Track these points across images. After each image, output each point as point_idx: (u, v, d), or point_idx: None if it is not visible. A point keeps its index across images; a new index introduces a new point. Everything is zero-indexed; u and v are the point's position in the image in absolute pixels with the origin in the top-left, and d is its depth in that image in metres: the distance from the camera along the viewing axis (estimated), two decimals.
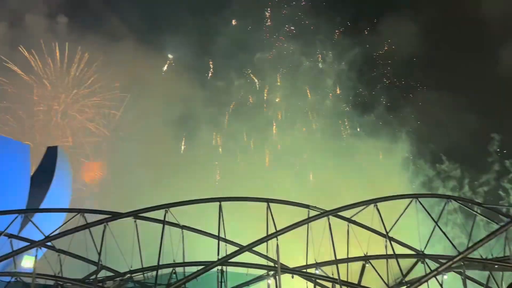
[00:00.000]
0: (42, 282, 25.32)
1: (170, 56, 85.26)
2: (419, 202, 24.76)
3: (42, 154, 53.87)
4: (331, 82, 78.99)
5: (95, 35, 71.13)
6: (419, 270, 25.89)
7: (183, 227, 28.49)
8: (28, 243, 26.47)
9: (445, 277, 24.88)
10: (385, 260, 26.15)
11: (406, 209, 26.19)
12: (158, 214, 25.59)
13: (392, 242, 25.43)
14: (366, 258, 27.34)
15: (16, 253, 24.85)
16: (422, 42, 75.30)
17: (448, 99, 70.87)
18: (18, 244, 27.90)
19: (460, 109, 69.42)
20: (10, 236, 28.59)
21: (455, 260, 23.27)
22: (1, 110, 70.28)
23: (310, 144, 71.64)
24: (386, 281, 24.86)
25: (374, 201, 23.46)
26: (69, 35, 72.83)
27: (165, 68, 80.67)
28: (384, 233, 25.57)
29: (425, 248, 27.06)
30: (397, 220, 26.81)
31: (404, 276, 22.22)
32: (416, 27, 74.86)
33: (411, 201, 25.52)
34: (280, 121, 77.22)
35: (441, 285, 23.94)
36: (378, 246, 27.44)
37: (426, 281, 20.77)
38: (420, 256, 26.61)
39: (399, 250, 26.75)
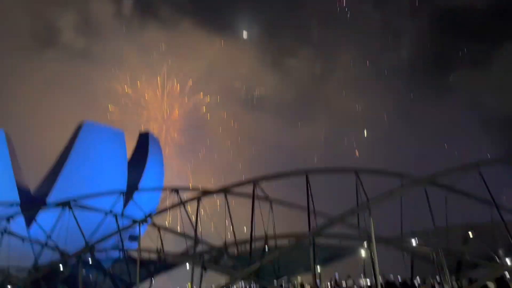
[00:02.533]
0: (146, 256, 27.11)
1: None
2: None
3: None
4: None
5: None
6: None
7: (272, 200, 28.73)
8: (131, 221, 28.49)
9: None
10: (491, 228, 24.11)
11: None
12: (249, 188, 25.91)
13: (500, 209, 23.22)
14: (469, 226, 25.51)
15: (121, 230, 26.82)
16: None
17: None
18: (122, 222, 30.23)
19: None
20: (115, 214, 31.07)
21: None
22: None
23: None
24: (494, 250, 22.92)
25: (477, 163, 21.36)
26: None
27: None
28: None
29: None
30: (505, 185, 24.50)
31: None
32: None
33: None
34: None
35: None
36: (484, 213, 25.34)
37: None
38: None
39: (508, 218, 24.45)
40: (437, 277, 24.27)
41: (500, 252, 23.16)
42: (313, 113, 79.37)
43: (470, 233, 26.21)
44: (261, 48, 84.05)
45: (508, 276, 21.64)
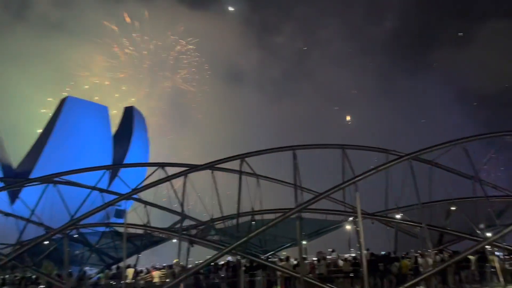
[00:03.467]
0: (132, 231, 27.06)
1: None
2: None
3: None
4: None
5: None
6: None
7: (259, 176, 28.80)
8: (117, 196, 28.25)
9: None
10: (473, 203, 24.70)
11: (497, 148, 24.18)
12: (235, 164, 25.88)
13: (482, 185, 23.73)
14: (452, 201, 26.04)
15: (107, 205, 26.62)
16: None
17: None
18: (108, 198, 30.02)
19: None
20: (101, 190, 30.81)
21: None
22: None
23: None
24: (475, 224, 23.48)
25: (462, 140, 21.64)
26: None
27: None
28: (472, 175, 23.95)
29: None
30: (486, 160, 24.95)
31: (496, 219, 20.75)
32: None
33: (502, 140, 23.31)
34: None
35: None
36: (465, 189, 25.88)
37: None
38: None
39: (489, 192, 25.02)
40: (419, 251, 24.85)
41: (481, 226, 23.75)
42: (297, 89, 79.16)
43: (452, 208, 26.77)
44: (245, 22, 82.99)
45: (488, 248, 22.29)
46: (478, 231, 22.75)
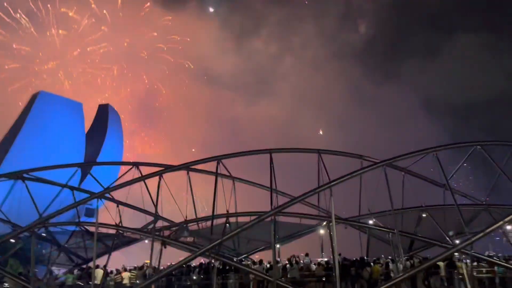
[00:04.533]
0: (104, 231, 26.51)
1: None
2: (483, 149, 23.13)
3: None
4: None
5: None
6: (481, 221, 24.79)
7: (235, 179, 28.73)
8: (88, 195, 27.64)
9: (509, 227, 23.73)
10: (443, 210, 25.27)
11: (467, 157, 24.82)
12: (211, 166, 25.73)
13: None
14: (423, 208, 26.58)
15: (78, 204, 26.02)
16: None
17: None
18: (79, 196, 29.34)
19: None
20: (72, 188, 30.06)
21: None
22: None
23: None
24: (445, 231, 24.03)
25: (433, 149, 22.16)
26: None
27: None
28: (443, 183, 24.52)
29: (487, 197, 25.90)
30: (457, 169, 25.62)
31: (465, 226, 21.26)
32: None
33: (473, 149, 24.01)
34: None
35: (506, 236, 22.89)
36: (436, 196, 26.49)
37: (491, 232, 19.74)
38: (483, 205, 25.48)
39: (459, 200, 25.63)
40: (390, 257, 25.24)
41: (451, 233, 24.33)
42: (272, 91, 79.45)
43: (423, 215, 27.32)
44: (223, 24, 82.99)
45: (457, 255, 22.86)
46: (448, 238, 23.27)
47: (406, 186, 26.35)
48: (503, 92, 65.96)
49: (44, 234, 26.96)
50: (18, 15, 71.16)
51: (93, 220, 26.85)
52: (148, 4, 77.01)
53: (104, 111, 55.20)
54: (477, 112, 67.94)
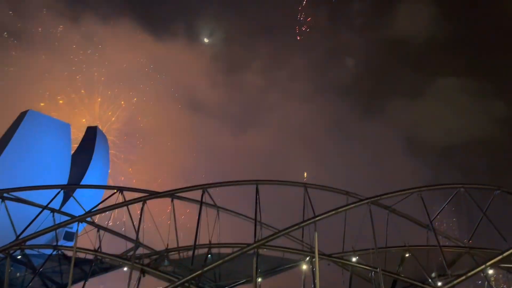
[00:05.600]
0: (82, 256, 25.84)
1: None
2: (466, 192, 23.43)
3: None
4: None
5: None
6: (463, 264, 24.77)
7: (220, 208, 28.47)
8: (69, 218, 27.08)
9: (491, 271, 23.69)
10: (426, 251, 25.22)
11: (451, 198, 25.04)
12: (196, 194, 25.54)
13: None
14: (407, 248, 26.47)
15: (58, 227, 25.45)
16: (442, 26, 73.28)
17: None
18: (60, 219, 28.68)
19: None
20: (53, 210, 29.42)
21: (505, 254, 21.96)
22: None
23: None
24: (427, 273, 23.88)
25: (418, 189, 22.39)
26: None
27: None
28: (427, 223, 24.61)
29: (469, 240, 25.96)
30: (440, 210, 25.77)
31: (448, 268, 21.21)
32: (434, 11, 72.92)
33: (457, 191, 24.29)
34: None
35: (487, 280, 22.84)
36: (419, 236, 26.49)
37: (473, 275, 19.73)
38: (465, 248, 25.50)
39: (442, 242, 25.72)
40: None
41: (433, 274, 24.19)
42: (259, 122, 79.96)
43: (406, 254, 27.19)
44: (214, 54, 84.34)
45: None
46: (430, 280, 23.12)
47: (390, 224, 26.37)
48: (483, 135, 67.83)
49: (19, 257, 26.12)
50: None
51: (72, 244, 26.17)
52: (138, 31, 78.04)
53: (92, 134, 54.85)
54: (458, 153, 69.54)
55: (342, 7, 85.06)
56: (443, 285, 20.22)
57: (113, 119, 77.73)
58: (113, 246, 30.70)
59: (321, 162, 71.89)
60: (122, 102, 76.11)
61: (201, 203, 24.71)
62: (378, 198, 22.81)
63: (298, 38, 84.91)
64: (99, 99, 77.61)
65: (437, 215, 27.15)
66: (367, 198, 22.69)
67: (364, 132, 72.94)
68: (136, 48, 77.90)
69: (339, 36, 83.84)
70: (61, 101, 74.62)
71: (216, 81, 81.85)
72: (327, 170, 66.02)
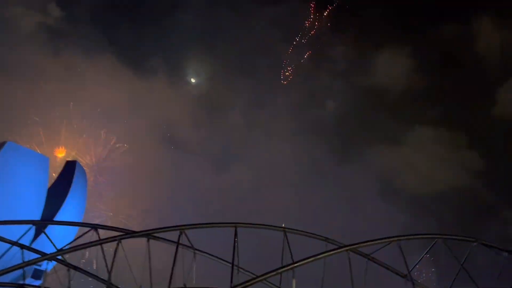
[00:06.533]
0: None
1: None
2: (444, 243, 23.57)
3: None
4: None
5: None
6: None
7: (196, 250, 27.86)
8: (39, 255, 26.07)
9: None
10: None
11: (429, 249, 25.06)
12: (172, 235, 25.04)
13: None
14: None
15: (26, 265, 24.44)
16: (419, 78, 76.49)
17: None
18: (29, 256, 27.56)
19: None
20: (22, 246, 28.30)
21: None
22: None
23: None
24: None
25: (398, 238, 22.45)
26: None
27: None
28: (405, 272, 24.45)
29: None
30: (418, 261, 25.66)
31: None
32: (413, 62, 76.30)
33: (434, 242, 24.42)
34: None
35: None
36: (398, 286, 26.18)
37: None
38: None
39: None
40: None
41: None
42: (240, 161, 79.99)
43: None
44: (200, 93, 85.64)
45: None
46: None
47: (369, 272, 26.10)
48: (457, 184, 69.54)
49: None
50: None
51: (39, 283, 25.11)
52: (119, 67, 78.59)
53: (70, 168, 53.75)
54: (433, 201, 70.79)
55: (325, 51, 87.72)
56: None
57: (92, 154, 76.83)
58: (84, 286, 29.54)
59: (301, 202, 71.93)
60: (102, 137, 75.68)
61: (177, 245, 24.19)
62: (357, 246, 22.74)
63: (284, 82, 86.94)
64: (84, 135, 77.00)
65: (415, 265, 27.01)
66: (346, 246, 22.56)
67: (342, 175, 73.83)
68: (117, 83, 78.29)
69: (321, 79, 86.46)
70: (40, 133, 73.64)
71: (198, 118, 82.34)
72: (306, 212, 65.86)
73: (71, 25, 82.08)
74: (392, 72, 79.33)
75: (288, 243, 24.89)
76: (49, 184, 49.99)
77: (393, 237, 22.60)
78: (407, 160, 74.30)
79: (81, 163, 57.36)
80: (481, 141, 71.31)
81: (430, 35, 79.54)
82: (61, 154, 72.08)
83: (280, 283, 25.53)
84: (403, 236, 23.03)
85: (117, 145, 78.12)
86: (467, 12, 77.59)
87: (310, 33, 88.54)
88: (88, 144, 77.02)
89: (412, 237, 24.03)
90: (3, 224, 28.19)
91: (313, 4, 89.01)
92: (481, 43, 76.66)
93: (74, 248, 24.28)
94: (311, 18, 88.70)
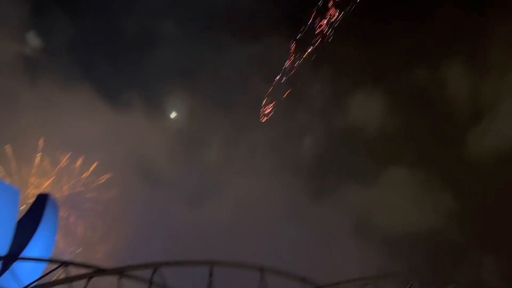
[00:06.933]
0: None
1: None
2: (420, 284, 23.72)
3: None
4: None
5: None
6: None
7: None
8: None
9: None
10: None
11: None
12: (146, 273, 24.40)
13: None
14: None
15: None
16: (393, 118, 78.99)
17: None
18: None
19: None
20: None
21: None
22: None
23: None
24: None
25: (375, 278, 22.54)
26: None
27: None
28: None
29: None
30: None
31: None
32: (386, 104, 79.20)
33: (411, 283, 24.52)
34: None
35: None
36: None
37: None
38: None
39: None
40: None
41: None
42: (217, 196, 79.47)
43: None
44: (177, 128, 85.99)
45: None
46: None
47: None
48: (430, 225, 70.77)
49: None
50: None
51: None
52: (97, 99, 78.06)
53: (42, 202, 52.14)
54: (406, 241, 71.61)
55: (304, 90, 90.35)
56: None
57: (65, 187, 75.13)
58: None
59: (277, 240, 71.66)
60: (76, 170, 74.36)
61: (150, 283, 23.55)
62: (334, 286, 22.64)
63: (263, 120, 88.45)
64: (58, 167, 75.40)
65: None
66: (324, 286, 22.43)
67: (318, 212, 74.39)
68: (94, 115, 77.72)
69: (299, 118, 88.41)
70: (12, 163, 71.80)
71: (174, 153, 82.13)
72: (282, 249, 65.47)
73: (48, 55, 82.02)
74: (367, 112, 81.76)
75: (265, 282, 24.60)
76: (18, 217, 48.36)
77: (369, 277, 22.65)
78: (381, 200, 75.48)
79: (53, 196, 55.80)
80: (454, 183, 73.20)
81: (403, 77, 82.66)
82: (32, 187, 70.25)
83: None
84: (379, 276, 23.13)
85: (92, 179, 76.76)
86: (438, 58, 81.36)
87: (290, 74, 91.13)
88: (61, 177, 75.42)
89: (389, 277, 24.11)
90: None
91: (294, 44, 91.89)
92: (451, 87, 79.90)
93: (41, 286, 23.30)
94: (291, 58, 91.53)
